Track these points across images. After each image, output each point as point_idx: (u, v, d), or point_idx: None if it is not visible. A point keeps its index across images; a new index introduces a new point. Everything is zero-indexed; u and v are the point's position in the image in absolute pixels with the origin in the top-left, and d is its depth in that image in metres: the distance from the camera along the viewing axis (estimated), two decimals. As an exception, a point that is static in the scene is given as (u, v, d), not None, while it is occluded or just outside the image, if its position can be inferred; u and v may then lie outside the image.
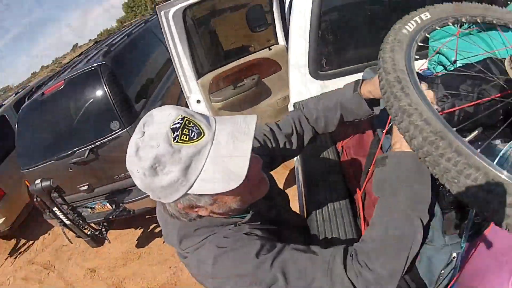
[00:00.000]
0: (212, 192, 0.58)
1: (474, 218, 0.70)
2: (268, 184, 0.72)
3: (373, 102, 0.88)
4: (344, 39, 1.76)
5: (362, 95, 0.86)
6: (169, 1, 2.09)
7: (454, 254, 0.72)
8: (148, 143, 0.54)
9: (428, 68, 1.43)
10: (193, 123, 0.56)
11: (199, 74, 2.25)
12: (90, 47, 4.32)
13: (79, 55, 3.86)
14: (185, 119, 0.55)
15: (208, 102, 2.28)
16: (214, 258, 0.64)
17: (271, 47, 2.46)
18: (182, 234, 0.70)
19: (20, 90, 5.13)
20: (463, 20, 0.80)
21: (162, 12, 2.07)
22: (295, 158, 1.90)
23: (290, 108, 1.80)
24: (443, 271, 0.73)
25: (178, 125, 0.54)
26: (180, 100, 3.40)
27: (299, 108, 0.97)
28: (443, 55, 1.32)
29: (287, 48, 2.46)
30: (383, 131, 0.82)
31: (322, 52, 1.68)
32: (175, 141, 0.54)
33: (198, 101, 2.31)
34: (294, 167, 3.11)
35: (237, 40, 2.98)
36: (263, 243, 0.65)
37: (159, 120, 0.56)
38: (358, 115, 0.90)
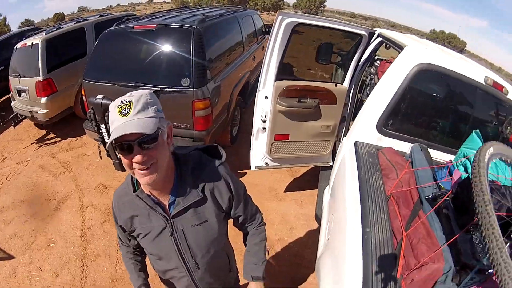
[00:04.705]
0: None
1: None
2: (144, 179, 0.77)
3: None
4: (411, 114, 1.87)
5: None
6: (289, 12, 2.13)
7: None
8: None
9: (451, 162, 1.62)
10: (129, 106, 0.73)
11: (277, 78, 2.28)
12: (179, 8, 4.27)
13: (169, 10, 3.80)
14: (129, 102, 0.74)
15: (274, 102, 2.31)
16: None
17: (337, 84, 2.52)
18: None
19: (104, 14, 4.97)
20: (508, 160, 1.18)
21: (280, 17, 2.10)
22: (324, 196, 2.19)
23: (347, 142, 1.85)
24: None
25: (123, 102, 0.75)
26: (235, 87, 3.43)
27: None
28: (469, 161, 1.52)
29: (347, 91, 2.55)
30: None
31: (391, 114, 1.78)
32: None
33: (266, 97, 2.34)
34: (299, 176, 3.12)
35: (306, 64, 3.10)
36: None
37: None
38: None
